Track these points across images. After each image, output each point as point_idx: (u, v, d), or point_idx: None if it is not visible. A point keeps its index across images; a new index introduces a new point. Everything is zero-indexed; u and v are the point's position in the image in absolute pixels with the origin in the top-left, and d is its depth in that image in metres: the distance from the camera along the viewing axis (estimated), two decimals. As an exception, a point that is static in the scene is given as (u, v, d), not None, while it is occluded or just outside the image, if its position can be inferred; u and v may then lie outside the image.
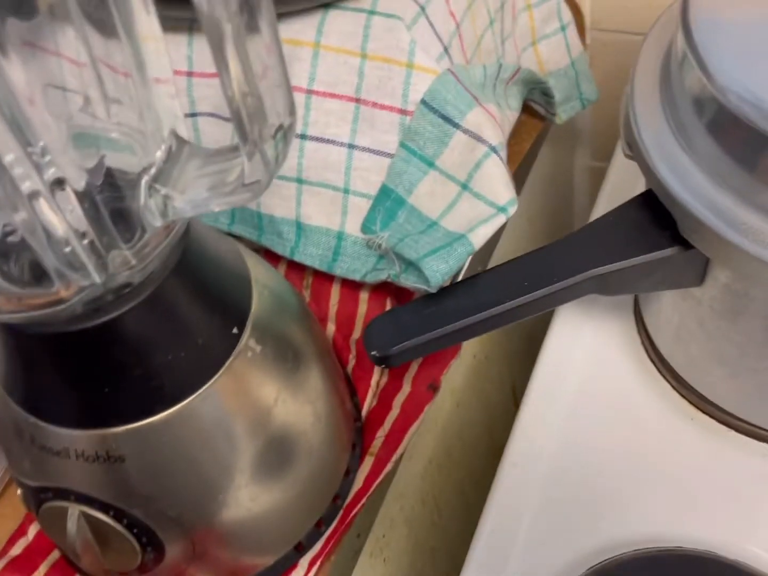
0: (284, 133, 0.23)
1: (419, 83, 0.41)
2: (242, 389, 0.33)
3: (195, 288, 0.31)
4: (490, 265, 0.53)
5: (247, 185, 0.24)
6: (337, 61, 0.41)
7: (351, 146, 0.42)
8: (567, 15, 0.55)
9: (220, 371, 0.32)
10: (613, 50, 0.64)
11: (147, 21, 0.24)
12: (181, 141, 0.26)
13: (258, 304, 0.34)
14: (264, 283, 0.36)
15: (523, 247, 0.60)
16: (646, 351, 0.46)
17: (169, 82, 0.26)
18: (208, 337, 0.32)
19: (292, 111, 0.24)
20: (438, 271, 0.37)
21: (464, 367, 0.56)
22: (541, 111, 0.56)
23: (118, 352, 0.30)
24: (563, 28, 0.55)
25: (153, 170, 0.25)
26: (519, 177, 0.54)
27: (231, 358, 0.32)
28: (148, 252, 0.27)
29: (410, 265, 0.39)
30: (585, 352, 0.48)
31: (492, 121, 0.41)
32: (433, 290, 0.37)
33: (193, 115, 0.44)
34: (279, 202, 0.43)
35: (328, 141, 0.42)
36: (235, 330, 0.33)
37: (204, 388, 0.31)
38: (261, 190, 0.24)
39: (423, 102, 0.41)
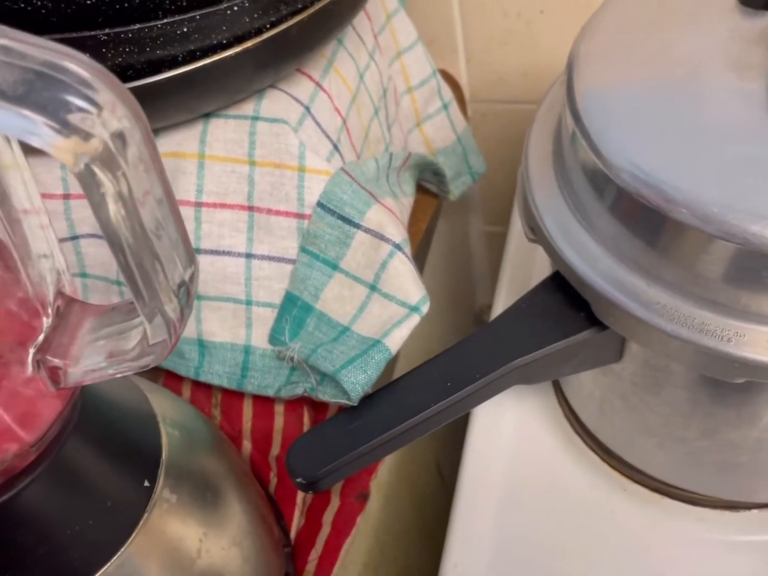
0: (186, 287, 0.21)
1: (313, 186, 0.39)
2: (161, 547, 0.30)
3: (98, 446, 0.28)
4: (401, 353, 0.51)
5: (151, 347, 0.21)
6: (225, 171, 0.40)
7: (249, 255, 0.40)
8: (448, 93, 0.56)
9: (135, 532, 0.29)
10: (492, 119, 0.65)
11: (7, 149, 0.22)
12: (68, 300, 0.24)
13: (168, 447, 0.31)
14: (172, 420, 0.33)
15: (430, 327, 0.59)
16: (571, 425, 0.46)
17: (41, 212, 0.24)
18: (118, 497, 0.29)
19: (191, 260, 0.22)
20: (357, 383, 0.35)
21: (389, 457, 0.54)
22: (433, 189, 0.56)
23: (18, 534, 0.26)
24: (445, 107, 0.56)
25: (39, 338, 0.23)
26: (419, 256, 0.53)
27: (145, 515, 0.29)
28: (40, 424, 0.24)
29: (326, 376, 0.37)
30: (510, 434, 0.47)
31: (392, 218, 0.40)
32: (354, 404, 0.35)
33: (74, 238, 0.41)
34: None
35: (223, 253, 0.40)
36: (146, 483, 0.30)
37: (118, 554, 0.28)
38: (166, 350, 0.22)
39: (319, 204, 0.39)
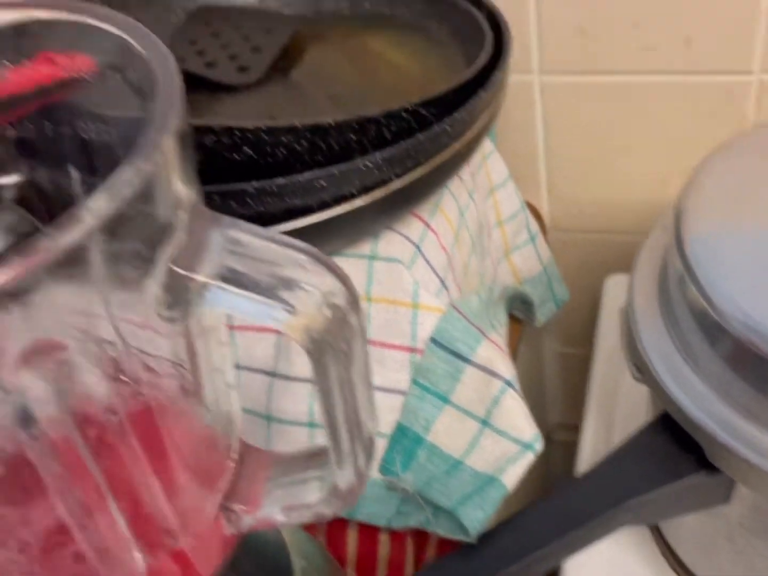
0: (372, 437, 0.23)
1: (426, 321, 0.41)
2: None
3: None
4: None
5: (337, 496, 0.23)
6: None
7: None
8: (534, 226, 0.58)
9: None
10: (572, 247, 0.67)
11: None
12: (247, 447, 0.26)
13: (301, 578, 0.32)
14: (298, 548, 0.34)
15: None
16: (669, 563, 0.46)
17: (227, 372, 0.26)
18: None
19: (375, 416, 0.24)
20: (475, 519, 0.36)
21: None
22: (519, 315, 0.58)
23: None
24: (532, 239, 0.58)
25: (224, 483, 0.24)
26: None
27: None
28: (211, 563, 0.26)
29: (440, 510, 0.38)
30: (605, 570, 0.47)
31: (502, 354, 0.41)
32: (473, 541, 0.36)
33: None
34: (292, 447, 0.42)
35: (338, 383, 0.42)
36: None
37: None
38: (355, 499, 0.23)
39: (432, 340, 0.41)
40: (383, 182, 0.39)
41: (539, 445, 0.39)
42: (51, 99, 0.32)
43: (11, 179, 0.32)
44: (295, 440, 0.42)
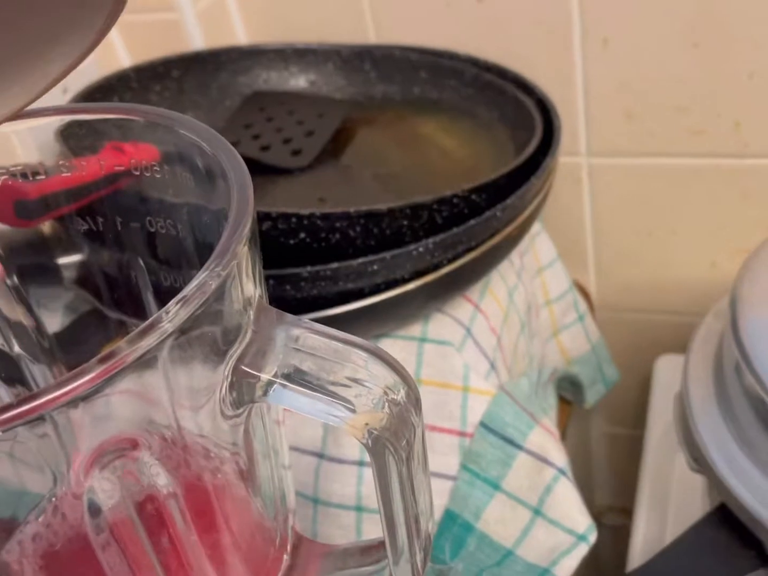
0: (429, 535, 0.23)
1: (476, 405, 0.41)
2: None
3: None
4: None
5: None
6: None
7: (410, 470, 0.42)
8: (582, 305, 0.58)
9: None
10: (619, 326, 0.67)
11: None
12: (299, 537, 0.25)
13: None
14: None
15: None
16: None
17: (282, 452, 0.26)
18: None
19: (433, 514, 0.23)
20: (528, 613, 0.35)
21: None
22: (568, 397, 0.58)
23: None
24: (581, 318, 0.58)
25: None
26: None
27: None
28: None
29: (491, 601, 0.37)
30: None
31: (554, 440, 0.41)
32: (525, 635, 0.35)
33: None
34: (338, 531, 0.42)
35: (387, 466, 0.42)
36: None
37: None
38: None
39: (482, 424, 0.41)
40: (435, 267, 0.39)
41: (593, 537, 0.38)
42: (116, 186, 0.33)
43: (73, 259, 0.33)
44: (342, 524, 0.42)
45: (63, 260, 0.33)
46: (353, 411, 0.20)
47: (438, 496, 0.42)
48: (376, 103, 0.58)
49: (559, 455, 0.40)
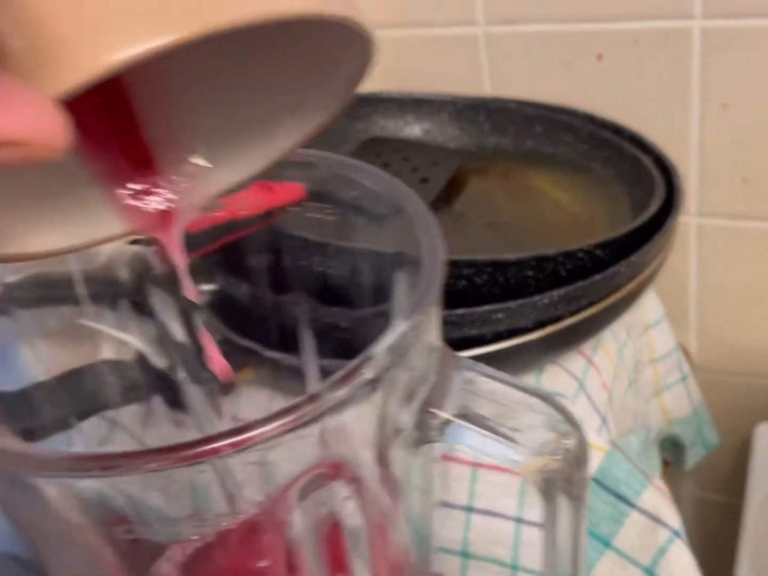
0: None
1: (594, 458, 0.41)
2: None
3: None
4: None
5: None
6: (504, 436, 0.42)
7: (518, 520, 0.42)
8: (686, 366, 0.58)
9: None
10: (720, 389, 0.66)
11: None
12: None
13: None
14: None
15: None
16: None
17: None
18: None
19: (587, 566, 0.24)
20: None
21: None
22: (667, 458, 0.57)
23: None
24: (684, 378, 0.57)
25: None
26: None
27: None
28: None
29: None
30: None
31: (668, 501, 0.40)
32: None
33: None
34: (442, 576, 0.42)
35: (495, 514, 0.42)
36: None
37: None
38: None
39: (595, 480, 0.41)
40: (557, 319, 0.40)
41: (709, 603, 0.37)
42: (263, 224, 0.34)
43: (209, 287, 0.35)
44: (445, 568, 0.42)
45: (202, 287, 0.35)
46: (528, 454, 0.20)
47: (545, 549, 0.41)
48: (489, 154, 0.59)
49: (673, 516, 0.39)
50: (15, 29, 0.13)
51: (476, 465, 0.42)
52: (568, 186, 0.55)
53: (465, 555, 0.42)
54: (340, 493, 0.19)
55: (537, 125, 0.57)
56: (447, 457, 0.43)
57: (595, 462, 0.41)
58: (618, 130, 0.54)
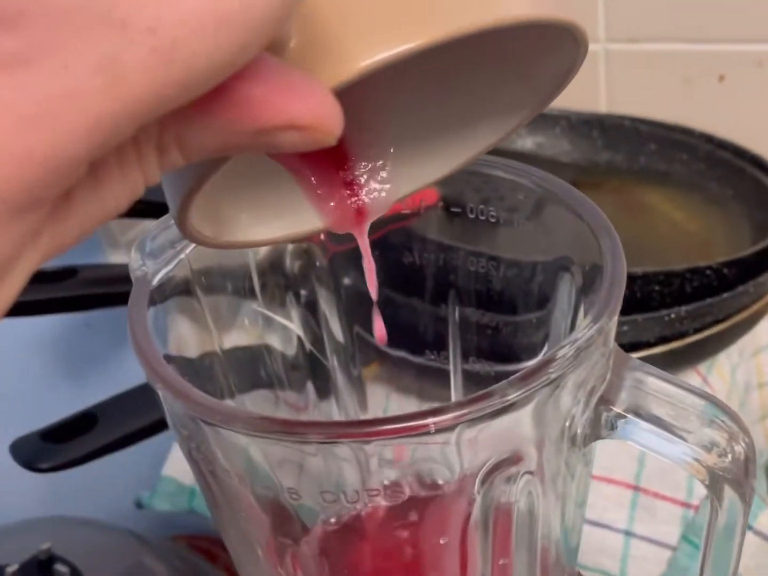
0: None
1: (704, 477, 0.41)
2: None
3: None
4: None
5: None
6: (617, 448, 0.42)
7: (628, 533, 0.42)
8: (794, 393, 0.57)
9: None
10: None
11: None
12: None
13: None
14: None
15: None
16: None
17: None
18: None
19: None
20: None
21: None
22: None
23: None
24: (792, 406, 0.56)
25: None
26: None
27: None
28: None
29: None
30: None
31: (783, 523, 0.40)
32: None
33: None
34: None
35: (604, 526, 0.42)
36: None
37: None
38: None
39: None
40: (681, 335, 0.40)
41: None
42: (396, 225, 0.35)
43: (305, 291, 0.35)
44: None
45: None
46: (699, 453, 0.21)
47: (655, 565, 0.41)
48: (601, 170, 0.59)
49: (790, 541, 0.39)
50: (301, 27, 0.14)
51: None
52: (683, 205, 0.55)
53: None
54: (519, 482, 0.20)
55: (651, 143, 0.57)
56: (558, 466, 0.43)
57: (710, 479, 0.41)
58: (738, 151, 0.53)
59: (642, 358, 0.39)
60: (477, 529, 0.20)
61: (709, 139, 0.55)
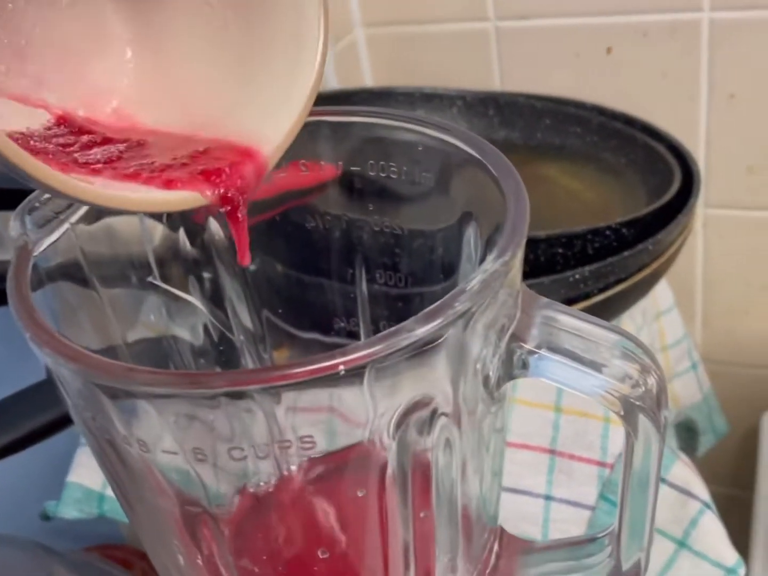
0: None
1: (617, 436, 0.42)
2: None
3: None
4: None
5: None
6: (532, 414, 0.43)
7: (547, 497, 0.42)
8: (696, 354, 0.58)
9: None
10: (725, 380, 0.67)
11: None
12: (504, 532, 0.26)
13: None
14: None
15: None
16: None
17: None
18: None
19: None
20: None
21: None
22: (679, 444, 0.57)
23: None
24: (694, 366, 0.58)
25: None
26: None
27: None
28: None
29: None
30: None
31: (695, 474, 0.41)
32: None
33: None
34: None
35: (523, 492, 0.42)
36: None
37: None
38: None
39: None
40: (586, 296, 0.40)
41: (742, 571, 0.38)
42: (295, 203, 0.35)
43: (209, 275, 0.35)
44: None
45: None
46: (613, 384, 0.21)
47: (576, 527, 0.42)
48: (499, 147, 0.59)
49: (701, 489, 0.40)
50: None
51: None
52: (580, 176, 0.56)
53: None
54: (435, 427, 0.19)
55: (546, 118, 0.58)
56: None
57: (622, 438, 0.41)
58: (629, 121, 0.55)
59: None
60: (395, 479, 0.20)
61: (600, 110, 0.56)
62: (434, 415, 0.20)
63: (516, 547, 0.26)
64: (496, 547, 0.25)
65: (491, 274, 0.19)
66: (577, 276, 0.39)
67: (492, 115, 0.60)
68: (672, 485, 0.40)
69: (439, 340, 0.18)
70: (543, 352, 0.21)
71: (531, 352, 0.21)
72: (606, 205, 0.52)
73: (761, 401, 0.65)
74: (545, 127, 0.59)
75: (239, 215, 0.22)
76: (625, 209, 0.50)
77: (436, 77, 0.62)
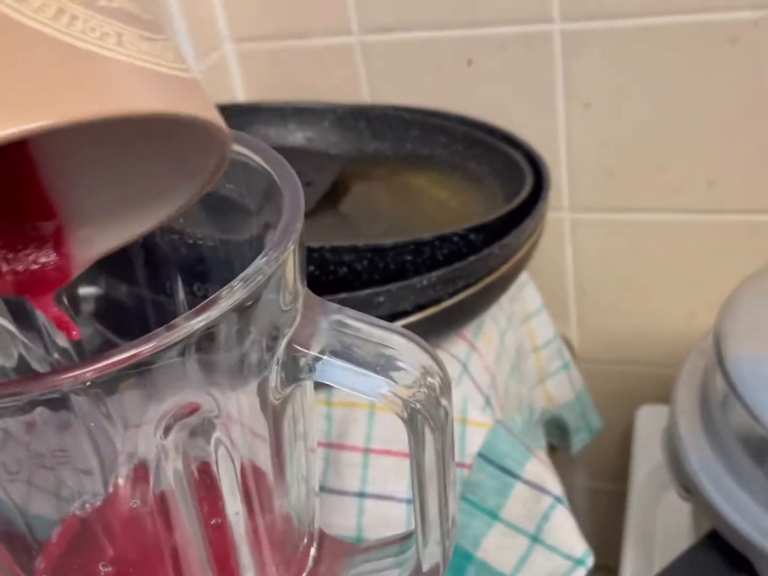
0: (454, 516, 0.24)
1: (475, 437, 0.43)
2: None
3: None
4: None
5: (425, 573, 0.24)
6: (393, 421, 0.43)
7: (410, 501, 0.42)
8: (567, 354, 0.60)
9: None
10: (601, 378, 0.69)
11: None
12: (324, 535, 0.26)
13: None
14: None
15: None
16: None
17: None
18: None
19: (457, 499, 0.25)
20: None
21: None
22: (554, 443, 0.59)
23: None
24: (566, 366, 0.60)
25: (309, 566, 0.25)
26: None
27: None
28: None
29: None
30: None
31: (550, 471, 0.42)
32: None
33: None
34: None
35: (387, 497, 0.43)
36: None
37: None
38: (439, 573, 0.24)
39: (480, 455, 0.42)
40: (436, 301, 0.41)
41: (590, 561, 0.39)
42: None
43: (91, 291, 0.35)
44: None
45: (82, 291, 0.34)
46: (394, 386, 0.21)
47: (437, 527, 0.42)
48: (370, 159, 0.61)
49: (554, 484, 0.41)
50: None
51: (366, 451, 0.43)
52: (447, 185, 0.57)
53: (359, 540, 0.42)
54: (207, 433, 0.20)
55: (414, 129, 0.59)
56: (337, 445, 0.43)
57: (479, 438, 0.42)
58: (490, 130, 0.56)
59: (402, 326, 0.41)
60: (174, 486, 0.20)
61: (464, 121, 0.58)
62: (205, 421, 0.20)
63: (339, 551, 0.26)
64: (313, 551, 0.26)
65: (254, 271, 0.19)
66: (425, 282, 0.40)
67: (363, 128, 0.61)
68: (526, 482, 0.41)
69: (207, 340, 0.19)
70: (327, 357, 0.21)
71: (315, 358, 0.21)
72: (468, 212, 0.53)
73: (636, 397, 0.67)
74: (414, 138, 0.60)
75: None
76: (485, 216, 0.52)
77: (309, 91, 0.63)
